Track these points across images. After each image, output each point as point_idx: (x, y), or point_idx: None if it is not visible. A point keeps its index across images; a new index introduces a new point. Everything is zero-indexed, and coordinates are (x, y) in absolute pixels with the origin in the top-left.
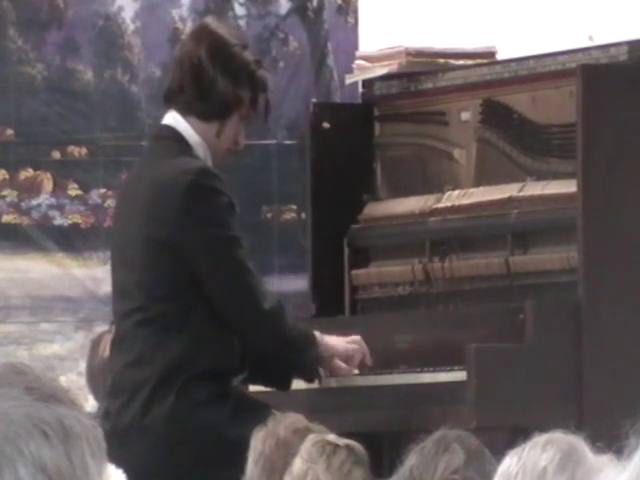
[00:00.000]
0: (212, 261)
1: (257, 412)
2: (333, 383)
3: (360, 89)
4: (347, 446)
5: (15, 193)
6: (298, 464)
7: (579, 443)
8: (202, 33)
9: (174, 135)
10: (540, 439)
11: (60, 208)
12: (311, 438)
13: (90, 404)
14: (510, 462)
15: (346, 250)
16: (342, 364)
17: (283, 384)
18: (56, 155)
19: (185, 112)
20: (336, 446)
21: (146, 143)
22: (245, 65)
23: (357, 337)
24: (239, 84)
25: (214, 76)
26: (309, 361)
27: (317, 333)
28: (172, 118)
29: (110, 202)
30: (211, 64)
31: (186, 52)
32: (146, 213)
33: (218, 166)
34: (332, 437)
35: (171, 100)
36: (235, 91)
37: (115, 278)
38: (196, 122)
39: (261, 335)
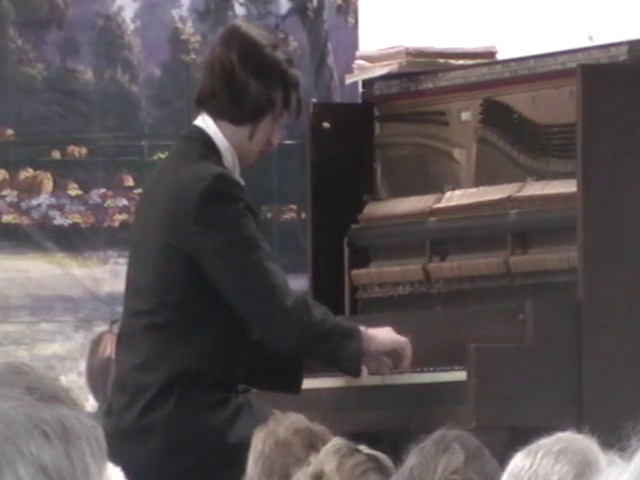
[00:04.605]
0: (228, 264)
1: (258, 416)
2: (333, 383)
3: (360, 89)
4: (368, 453)
5: (15, 193)
6: (312, 461)
7: (592, 453)
8: (232, 36)
9: (202, 138)
10: (554, 447)
11: (60, 208)
12: (334, 439)
13: (90, 404)
14: (522, 465)
15: (346, 250)
16: (388, 361)
17: (294, 387)
18: (56, 155)
19: (217, 116)
20: (355, 450)
21: (176, 142)
22: (276, 65)
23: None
24: (271, 86)
25: (246, 81)
26: (348, 355)
27: (362, 327)
28: (202, 120)
29: (110, 202)
30: (243, 69)
31: (217, 56)
32: (164, 218)
33: (248, 168)
34: (360, 446)
35: (203, 104)
36: (268, 94)
37: (130, 274)
38: (228, 126)
39: (284, 332)
